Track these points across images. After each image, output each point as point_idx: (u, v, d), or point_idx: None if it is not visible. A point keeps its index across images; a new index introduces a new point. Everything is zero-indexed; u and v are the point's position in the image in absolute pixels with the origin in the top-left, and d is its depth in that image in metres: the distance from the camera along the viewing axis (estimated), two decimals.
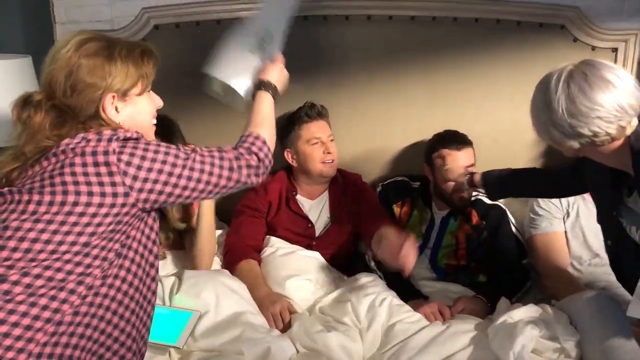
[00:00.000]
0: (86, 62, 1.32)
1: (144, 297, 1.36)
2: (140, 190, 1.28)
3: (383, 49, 2.47)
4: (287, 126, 2.31)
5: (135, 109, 1.39)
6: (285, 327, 1.92)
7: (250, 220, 2.25)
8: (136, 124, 1.39)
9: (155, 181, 1.29)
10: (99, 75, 1.32)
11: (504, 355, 1.69)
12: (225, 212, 2.36)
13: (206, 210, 2.08)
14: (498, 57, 2.45)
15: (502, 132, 2.48)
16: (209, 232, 2.11)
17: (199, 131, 2.34)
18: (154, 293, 1.41)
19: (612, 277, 2.11)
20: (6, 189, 1.30)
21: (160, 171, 1.30)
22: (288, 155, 2.31)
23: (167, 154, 1.32)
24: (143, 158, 1.28)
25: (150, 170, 1.29)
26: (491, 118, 2.49)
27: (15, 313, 1.18)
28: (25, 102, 1.33)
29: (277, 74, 1.66)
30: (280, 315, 1.95)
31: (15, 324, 1.17)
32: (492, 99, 2.49)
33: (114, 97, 1.34)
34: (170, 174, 1.31)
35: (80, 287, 1.24)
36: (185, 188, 1.33)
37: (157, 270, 1.41)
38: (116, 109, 1.35)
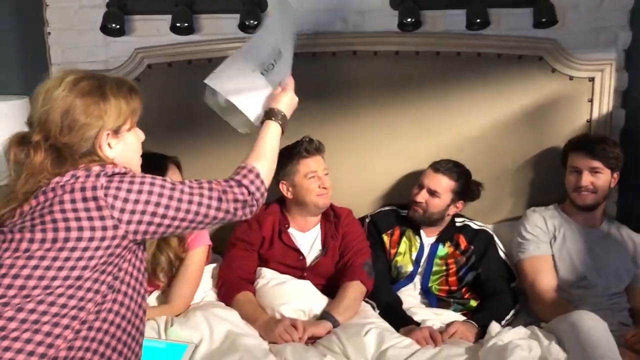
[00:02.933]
0: (82, 102, 1.34)
1: (135, 328, 1.38)
2: (129, 222, 1.30)
3: (369, 83, 2.55)
4: (284, 160, 2.31)
5: (126, 145, 1.43)
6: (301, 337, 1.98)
7: (243, 254, 2.28)
8: (126, 159, 1.43)
9: (143, 212, 1.31)
10: (95, 114, 1.35)
11: None
12: (219, 242, 2.38)
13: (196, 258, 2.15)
14: (480, 88, 2.54)
15: (486, 159, 2.55)
16: (193, 279, 2.15)
17: (192, 168, 2.39)
18: (143, 321, 1.42)
19: (598, 299, 2.17)
20: None
21: (147, 202, 1.32)
22: (283, 188, 2.34)
23: (152, 184, 1.34)
24: (129, 191, 1.31)
25: (137, 202, 1.31)
26: (475, 146, 2.57)
27: (10, 350, 1.19)
28: (21, 142, 1.35)
29: (288, 102, 1.66)
30: (286, 332, 1.98)
31: None
32: (475, 127, 2.57)
33: (108, 134, 1.38)
34: (157, 205, 1.33)
35: (74, 321, 1.25)
36: (173, 219, 1.35)
37: (145, 300, 1.43)
38: (109, 145, 1.39)
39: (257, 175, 1.49)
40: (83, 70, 1.43)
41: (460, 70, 2.54)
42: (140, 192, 1.32)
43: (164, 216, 1.34)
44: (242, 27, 2.47)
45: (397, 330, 2.07)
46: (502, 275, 2.29)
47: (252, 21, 2.45)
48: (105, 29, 2.45)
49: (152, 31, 2.52)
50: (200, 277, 2.19)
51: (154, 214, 1.32)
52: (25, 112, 2.33)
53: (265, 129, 1.61)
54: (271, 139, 1.60)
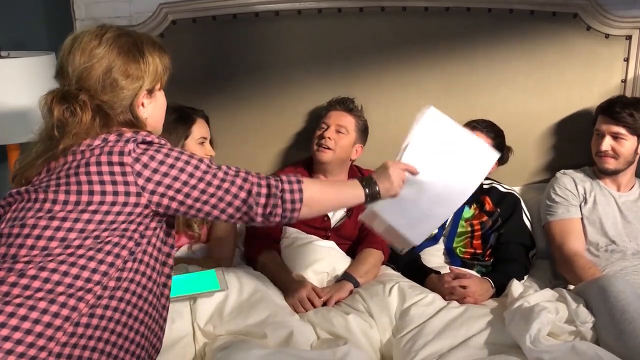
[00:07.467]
0: (122, 60, 1.32)
1: (157, 298, 1.37)
2: (153, 193, 1.28)
3: (397, 40, 2.48)
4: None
5: (157, 104, 1.42)
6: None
7: None
8: (156, 118, 1.42)
9: (169, 186, 1.29)
10: (135, 74, 1.33)
11: (521, 338, 1.71)
12: None
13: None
14: (511, 46, 2.47)
15: (515, 120, 2.50)
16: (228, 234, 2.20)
17: (215, 124, 2.38)
18: (168, 298, 1.43)
19: (628, 263, 2.14)
20: (24, 188, 1.32)
21: (175, 178, 1.29)
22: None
23: (187, 162, 1.31)
24: (161, 162, 1.28)
25: (165, 175, 1.28)
26: (504, 107, 2.51)
27: (36, 310, 1.20)
28: (64, 99, 1.29)
29: (390, 179, 1.57)
30: (307, 299, 1.99)
31: (37, 321, 1.19)
32: (505, 88, 2.50)
33: (144, 94, 1.37)
34: (185, 183, 1.30)
35: (96, 286, 1.25)
36: (197, 200, 1.31)
37: (172, 270, 1.43)
38: (142, 104, 1.38)
39: (300, 190, 1.39)
40: (116, 26, 1.38)
41: (491, 27, 2.46)
42: (172, 166, 1.29)
43: (187, 195, 1.30)
44: None
45: (421, 283, 2.09)
46: (521, 241, 2.27)
47: None
48: None
49: None
50: (235, 234, 2.24)
51: (178, 191, 1.29)
52: (51, 68, 2.36)
53: (353, 186, 1.55)
54: (347, 192, 1.53)
